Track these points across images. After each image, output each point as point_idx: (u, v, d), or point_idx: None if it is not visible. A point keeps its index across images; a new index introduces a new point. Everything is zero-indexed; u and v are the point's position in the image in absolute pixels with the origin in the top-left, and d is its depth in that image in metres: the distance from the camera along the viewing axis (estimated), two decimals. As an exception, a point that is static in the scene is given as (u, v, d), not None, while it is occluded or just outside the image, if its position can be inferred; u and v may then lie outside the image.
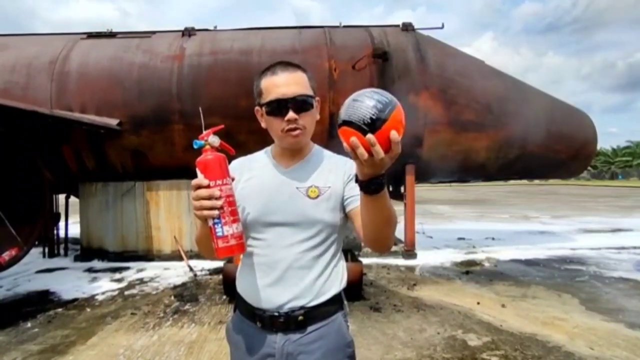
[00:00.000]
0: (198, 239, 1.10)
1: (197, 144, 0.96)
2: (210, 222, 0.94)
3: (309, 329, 1.06)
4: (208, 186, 0.92)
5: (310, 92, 1.07)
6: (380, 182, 0.84)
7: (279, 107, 1.04)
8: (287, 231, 1.08)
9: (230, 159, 1.01)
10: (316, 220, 1.07)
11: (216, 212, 0.92)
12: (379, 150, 0.76)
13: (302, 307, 1.06)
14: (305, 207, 1.07)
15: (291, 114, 1.03)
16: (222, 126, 1.02)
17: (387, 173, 0.85)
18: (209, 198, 0.91)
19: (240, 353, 1.12)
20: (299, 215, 1.07)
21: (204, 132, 0.97)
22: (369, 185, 0.85)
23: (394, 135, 0.76)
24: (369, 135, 0.75)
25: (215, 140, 0.96)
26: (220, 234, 0.93)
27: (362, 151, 0.76)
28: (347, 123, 0.78)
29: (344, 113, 0.79)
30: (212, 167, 0.94)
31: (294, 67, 1.09)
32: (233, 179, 0.97)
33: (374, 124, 0.76)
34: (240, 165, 1.18)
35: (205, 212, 0.92)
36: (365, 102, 0.77)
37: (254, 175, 1.15)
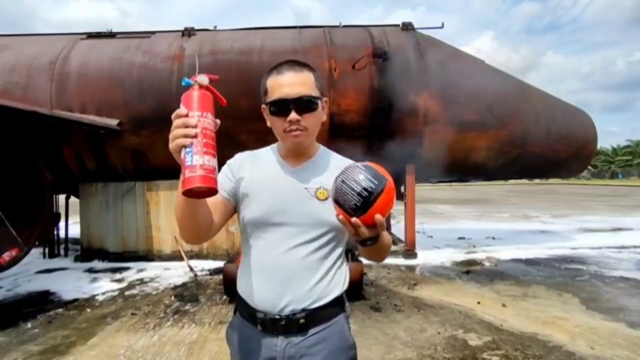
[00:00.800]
0: (175, 206, 0.99)
1: (185, 81, 0.92)
2: (182, 153, 0.85)
3: (311, 331, 1.05)
4: (186, 115, 0.86)
5: (315, 92, 1.06)
6: (374, 239, 0.91)
7: (281, 107, 1.04)
8: (292, 232, 1.06)
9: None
10: (324, 222, 1.05)
11: (188, 140, 0.84)
12: (363, 231, 0.86)
13: (303, 310, 1.04)
14: (314, 208, 1.06)
15: (293, 115, 1.02)
16: (217, 77, 0.95)
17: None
18: (185, 127, 0.85)
19: (241, 356, 1.10)
20: (308, 217, 1.05)
21: (196, 73, 0.92)
22: (364, 242, 0.92)
23: (378, 218, 0.84)
24: (354, 219, 0.84)
25: (203, 79, 0.91)
26: (188, 162, 0.84)
27: (349, 228, 0.87)
28: (336, 202, 0.87)
29: (334, 192, 0.87)
30: (194, 100, 0.89)
31: (300, 66, 1.07)
32: (218, 122, 0.91)
33: (359, 210, 0.83)
34: (243, 159, 1.17)
35: (178, 140, 0.85)
36: (353, 187, 0.84)
37: (259, 172, 1.13)
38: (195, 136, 0.85)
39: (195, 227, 1.01)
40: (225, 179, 1.12)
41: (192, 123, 0.86)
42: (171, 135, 0.87)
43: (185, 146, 0.85)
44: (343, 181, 0.85)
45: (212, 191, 0.88)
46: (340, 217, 0.87)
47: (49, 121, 5.47)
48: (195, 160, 0.84)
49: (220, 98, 0.96)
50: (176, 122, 0.87)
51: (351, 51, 6.09)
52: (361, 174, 0.84)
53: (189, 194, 0.87)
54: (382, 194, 0.83)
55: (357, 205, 0.83)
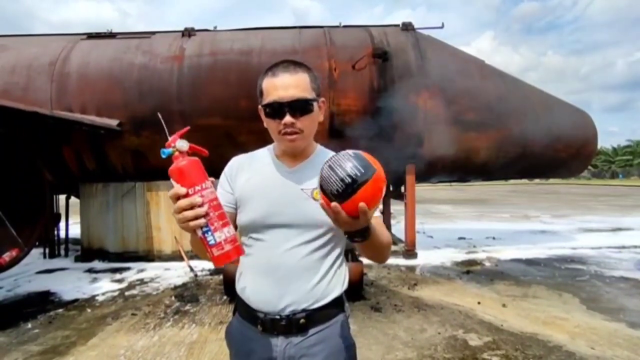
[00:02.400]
0: (192, 243, 1.05)
1: (164, 152, 0.89)
2: (200, 232, 0.87)
3: (311, 331, 1.05)
4: (187, 194, 0.86)
5: (310, 94, 1.05)
6: (363, 234, 0.89)
7: (276, 109, 1.03)
8: (290, 233, 1.06)
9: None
10: (321, 222, 1.04)
11: (203, 221, 0.85)
12: (343, 217, 0.81)
13: (303, 310, 1.04)
14: (311, 209, 1.04)
15: (287, 118, 1.02)
16: (187, 128, 0.94)
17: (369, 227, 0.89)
18: (191, 207, 0.85)
19: (241, 357, 1.10)
20: (304, 217, 1.05)
21: (170, 138, 0.90)
22: (352, 236, 0.89)
23: (362, 207, 0.79)
24: (334, 204, 0.80)
25: (183, 144, 0.89)
26: (212, 242, 0.86)
27: (329, 214, 0.83)
28: (320, 188, 0.83)
29: (319, 177, 0.84)
30: (187, 173, 0.87)
31: (295, 67, 1.06)
32: (212, 182, 0.91)
33: (341, 196, 0.80)
34: (240, 162, 1.16)
35: (191, 224, 0.85)
36: (337, 171, 0.81)
37: (256, 174, 1.12)
38: (206, 214, 0.86)
39: None
40: (225, 193, 1.13)
41: (199, 202, 0.85)
42: (179, 217, 0.86)
43: (201, 227, 0.86)
44: (330, 166, 0.82)
45: (241, 255, 0.92)
46: (321, 201, 0.84)
47: (49, 121, 5.47)
48: (218, 237, 0.86)
49: (201, 151, 0.95)
50: (180, 204, 0.85)
51: (351, 51, 6.09)
52: (349, 161, 0.81)
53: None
54: (368, 183, 0.80)
55: (339, 191, 0.79)
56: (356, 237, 0.89)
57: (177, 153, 0.90)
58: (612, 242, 7.56)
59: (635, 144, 60.72)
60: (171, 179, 0.89)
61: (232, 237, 0.88)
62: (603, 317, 3.71)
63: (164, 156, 0.91)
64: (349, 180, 0.79)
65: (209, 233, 0.86)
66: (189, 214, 0.85)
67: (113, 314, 3.96)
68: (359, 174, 0.80)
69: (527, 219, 11.88)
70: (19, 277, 5.54)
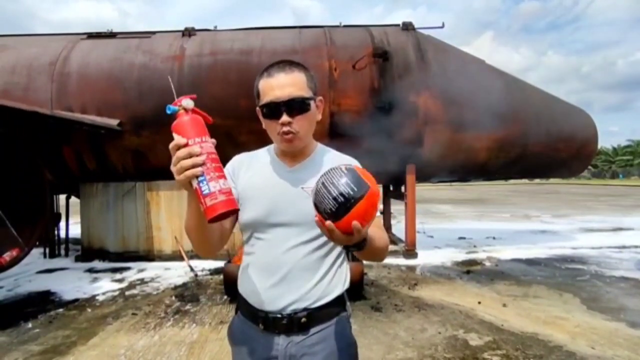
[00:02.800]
0: (187, 225, 1.02)
1: (170, 109, 0.90)
2: (195, 183, 0.86)
3: (312, 330, 1.06)
4: (186, 144, 0.86)
5: (306, 93, 1.05)
6: (359, 246, 0.88)
7: (273, 109, 1.03)
8: (291, 232, 1.06)
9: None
10: None
11: (199, 170, 0.85)
12: (337, 235, 0.82)
13: (305, 309, 1.05)
14: (310, 208, 1.05)
15: (284, 118, 1.02)
16: (194, 96, 0.94)
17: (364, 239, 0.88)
18: (189, 157, 0.85)
19: (243, 355, 1.10)
20: (304, 216, 1.04)
21: (176, 99, 0.91)
22: (347, 248, 0.90)
23: (355, 225, 0.79)
24: (328, 223, 0.80)
25: (189, 103, 0.90)
26: (206, 191, 0.85)
27: (324, 232, 0.84)
28: (314, 205, 0.83)
29: (313, 194, 0.84)
30: (189, 127, 0.88)
31: (291, 67, 1.06)
32: (214, 142, 0.90)
33: (334, 215, 0.80)
34: (240, 161, 1.17)
35: (188, 172, 0.84)
36: (330, 191, 0.80)
37: (256, 173, 1.13)
38: (203, 164, 0.85)
39: (210, 239, 1.04)
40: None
41: (197, 151, 0.85)
42: (177, 167, 0.86)
43: (197, 176, 0.85)
44: (323, 183, 0.82)
45: (235, 211, 0.90)
46: (316, 219, 0.84)
47: (49, 121, 5.48)
48: (212, 186, 0.85)
49: (206, 117, 0.96)
50: (179, 154, 0.86)
51: (351, 51, 6.09)
52: (342, 178, 0.81)
53: (215, 219, 0.88)
54: (361, 201, 0.79)
55: (332, 210, 0.79)
56: (351, 249, 0.89)
57: (182, 110, 0.90)
58: (612, 242, 7.56)
59: (636, 144, 60.69)
60: (173, 134, 0.89)
61: (226, 189, 0.87)
62: (603, 316, 3.71)
63: (168, 112, 0.91)
64: (341, 199, 0.79)
65: (204, 182, 0.85)
66: (187, 162, 0.85)
67: (113, 314, 3.96)
68: (352, 193, 0.79)
69: (528, 218, 11.88)
70: (19, 276, 5.54)
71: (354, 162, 1.11)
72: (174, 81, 5.97)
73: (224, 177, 0.88)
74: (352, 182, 0.80)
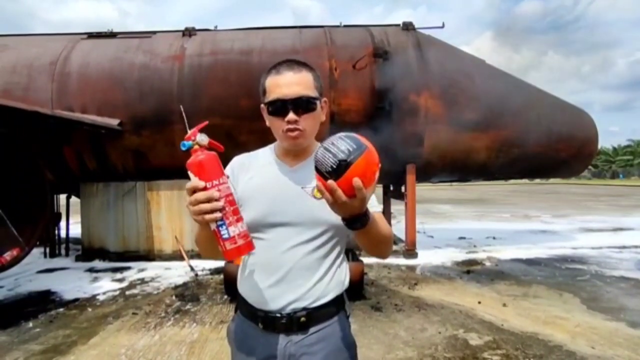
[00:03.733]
0: (198, 240, 1.07)
1: (185, 145, 0.91)
2: (214, 226, 0.89)
3: (311, 330, 1.06)
4: (205, 188, 0.87)
5: (313, 92, 1.06)
6: (362, 220, 0.88)
7: (279, 107, 1.03)
8: (291, 232, 1.06)
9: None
10: (321, 221, 1.05)
11: (219, 215, 0.87)
12: (340, 195, 0.80)
13: (304, 309, 1.05)
14: (311, 207, 1.05)
15: (291, 115, 1.02)
16: (206, 122, 0.96)
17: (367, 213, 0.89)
18: (208, 201, 0.87)
19: (242, 355, 1.11)
20: (304, 216, 1.05)
21: (190, 132, 0.92)
22: (351, 224, 0.89)
23: (356, 182, 0.79)
24: (330, 181, 0.81)
25: (203, 138, 0.92)
26: (226, 236, 0.89)
27: (327, 196, 0.82)
28: (316, 169, 0.84)
29: (315, 160, 0.84)
30: (206, 168, 0.89)
31: (299, 66, 1.07)
32: (228, 177, 0.93)
33: (335, 172, 0.80)
34: (241, 162, 1.17)
35: (207, 217, 0.87)
36: (331, 150, 0.82)
37: (257, 174, 1.13)
38: (222, 208, 0.88)
39: (219, 251, 1.04)
40: None
41: (216, 196, 0.87)
42: (195, 209, 0.87)
43: (216, 220, 0.88)
44: (324, 148, 0.83)
45: (252, 250, 0.95)
46: (318, 183, 0.84)
47: (49, 121, 5.48)
48: (232, 231, 0.89)
49: (218, 147, 0.97)
50: (197, 197, 0.87)
51: (352, 51, 6.09)
52: (341, 140, 0.83)
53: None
54: (361, 157, 0.81)
55: (333, 168, 0.80)
56: (355, 224, 0.89)
57: (196, 146, 0.91)
58: (612, 242, 7.56)
59: (636, 144, 60.67)
60: (189, 172, 0.90)
61: (244, 232, 0.91)
62: (603, 316, 3.71)
63: (183, 149, 0.92)
64: (341, 155, 0.80)
65: (224, 227, 0.89)
66: (206, 206, 0.87)
67: (114, 313, 3.96)
68: (351, 149, 0.81)
69: (528, 218, 11.88)
70: (19, 276, 5.55)
71: None
72: (174, 81, 5.98)
73: (241, 219, 0.91)
74: (352, 142, 0.82)
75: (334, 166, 0.80)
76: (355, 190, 0.80)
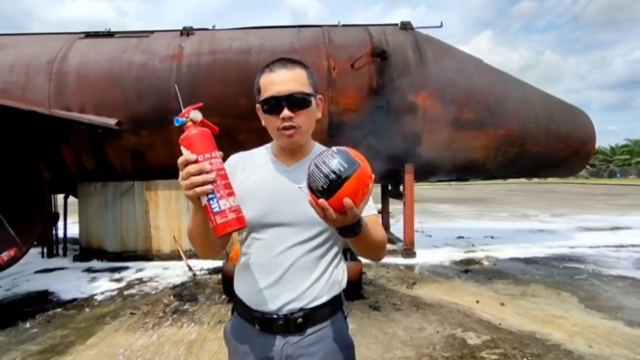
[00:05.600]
0: (191, 232, 1.04)
1: (178, 121, 0.92)
2: (205, 200, 0.88)
3: (309, 331, 1.05)
4: (196, 161, 0.88)
5: (307, 89, 1.05)
6: (354, 229, 0.89)
7: (274, 104, 1.03)
8: (288, 232, 1.06)
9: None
10: (318, 221, 1.02)
11: (210, 187, 0.87)
12: (331, 214, 0.82)
13: (301, 309, 1.04)
14: (308, 207, 1.03)
15: (285, 112, 1.02)
16: (200, 104, 0.97)
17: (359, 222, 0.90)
18: (199, 173, 0.87)
19: (239, 356, 1.10)
20: (301, 216, 1.04)
21: (184, 109, 0.93)
22: (343, 232, 0.90)
23: (347, 202, 0.80)
24: (321, 200, 0.82)
25: (197, 115, 0.92)
26: (217, 209, 0.88)
27: (319, 211, 0.84)
28: (308, 186, 0.85)
29: (307, 176, 0.85)
30: (198, 141, 0.89)
31: (293, 64, 1.06)
32: (221, 154, 0.92)
33: (326, 192, 0.81)
34: (237, 161, 1.16)
35: (198, 189, 0.87)
36: (322, 169, 0.82)
37: (253, 173, 1.12)
38: (214, 181, 0.88)
39: (213, 244, 1.05)
40: None
41: (208, 168, 0.87)
42: (186, 183, 0.88)
43: (207, 193, 0.87)
44: (315, 164, 0.84)
45: (244, 228, 0.93)
46: (310, 199, 0.85)
47: (47, 121, 5.46)
48: (222, 204, 0.88)
49: (212, 127, 0.97)
50: (189, 170, 0.87)
51: (350, 50, 6.09)
52: (333, 158, 0.83)
53: (224, 236, 0.91)
54: (352, 178, 0.81)
55: (324, 188, 0.81)
56: (347, 233, 0.90)
57: (189, 123, 0.92)
58: (610, 241, 7.58)
59: (634, 143, 60.80)
60: (182, 147, 0.90)
61: (236, 207, 0.90)
62: (601, 315, 3.72)
63: (177, 124, 0.92)
64: (333, 176, 0.81)
65: (214, 200, 0.88)
66: (198, 179, 0.87)
67: (112, 313, 3.96)
68: (342, 169, 0.81)
69: (526, 218, 11.91)
70: (17, 276, 5.53)
71: None
72: (172, 80, 5.97)
73: (233, 194, 0.91)
74: (343, 161, 0.82)
75: (325, 186, 0.81)
76: (347, 209, 0.81)
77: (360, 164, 0.83)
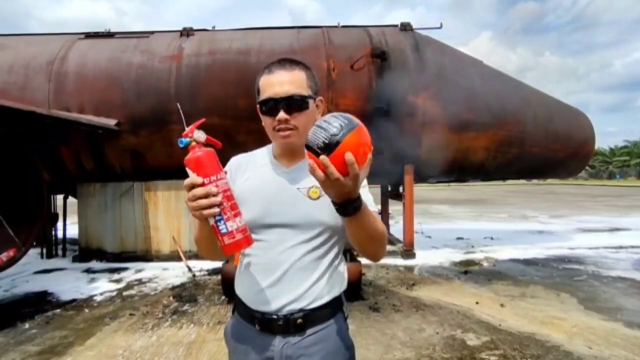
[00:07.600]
0: (197, 239, 1.07)
1: (182, 142, 0.93)
2: (212, 221, 0.91)
3: (308, 331, 1.05)
4: (203, 184, 0.89)
5: (305, 91, 1.05)
6: (354, 205, 0.87)
7: (271, 106, 1.04)
8: (287, 233, 1.05)
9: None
10: (317, 221, 1.04)
11: (217, 210, 0.89)
12: (332, 172, 0.78)
13: (301, 310, 1.04)
14: (307, 208, 1.04)
15: (281, 114, 1.02)
16: (203, 120, 0.98)
17: (359, 197, 0.88)
18: (206, 196, 0.88)
19: (239, 356, 1.10)
20: (300, 217, 1.04)
21: (187, 129, 0.93)
22: (342, 208, 0.88)
23: (348, 156, 0.78)
24: (322, 157, 0.79)
25: (201, 135, 0.93)
26: (224, 230, 0.90)
27: (319, 173, 0.80)
28: (306, 147, 0.83)
29: (306, 138, 0.84)
30: (203, 164, 0.90)
31: (292, 65, 1.07)
32: (226, 172, 0.94)
33: (327, 147, 0.79)
34: (238, 163, 1.16)
35: (205, 212, 0.89)
36: (322, 126, 0.81)
37: (253, 175, 1.12)
38: (220, 203, 0.89)
39: (217, 250, 1.03)
40: None
41: (214, 192, 0.89)
42: (193, 205, 0.89)
43: (214, 215, 0.90)
44: (316, 125, 0.83)
45: (251, 244, 0.96)
46: (310, 161, 0.82)
47: (46, 121, 5.46)
48: (230, 226, 0.90)
49: (216, 143, 0.99)
50: (195, 193, 0.89)
51: (349, 51, 6.09)
52: (333, 117, 0.82)
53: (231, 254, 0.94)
54: (352, 132, 0.80)
55: (325, 143, 0.79)
56: (347, 208, 0.86)
57: (194, 143, 0.93)
58: (609, 242, 7.59)
59: (633, 144, 60.88)
60: (187, 169, 0.91)
61: (243, 227, 0.92)
62: (600, 316, 3.72)
63: (181, 145, 0.93)
64: (333, 130, 0.80)
65: (222, 222, 0.90)
66: (204, 202, 0.88)
67: (111, 314, 3.95)
68: (343, 125, 0.81)
69: (525, 219, 11.91)
70: (16, 277, 5.52)
71: None
72: (172, 81, 5.97)
73: (239, 214, 0.93)
74: (343, 118, 0.82)
75: (326, 141, 0.79)
76: (348, 166, 0.78)
77: (359, 123, 0.83)
